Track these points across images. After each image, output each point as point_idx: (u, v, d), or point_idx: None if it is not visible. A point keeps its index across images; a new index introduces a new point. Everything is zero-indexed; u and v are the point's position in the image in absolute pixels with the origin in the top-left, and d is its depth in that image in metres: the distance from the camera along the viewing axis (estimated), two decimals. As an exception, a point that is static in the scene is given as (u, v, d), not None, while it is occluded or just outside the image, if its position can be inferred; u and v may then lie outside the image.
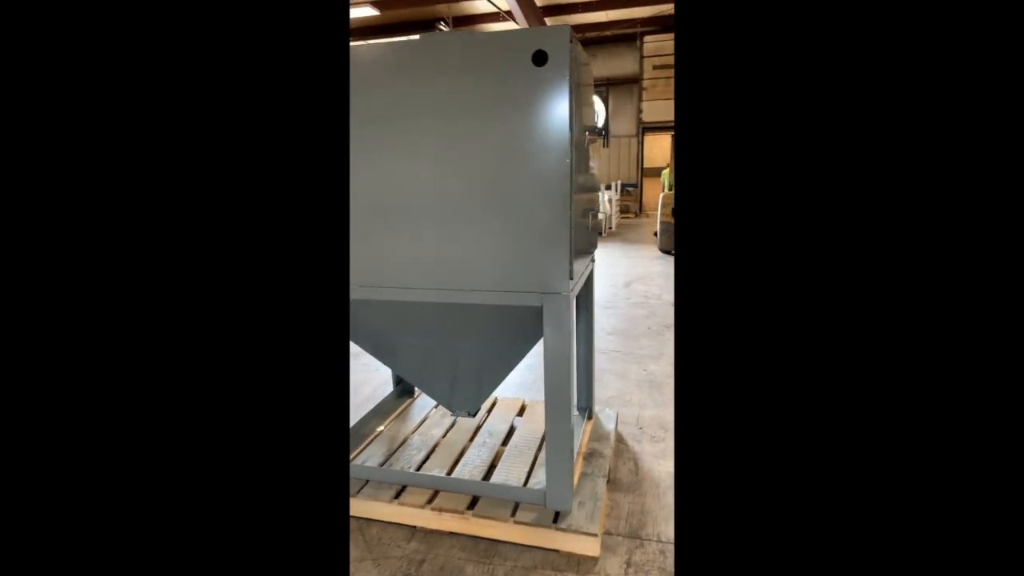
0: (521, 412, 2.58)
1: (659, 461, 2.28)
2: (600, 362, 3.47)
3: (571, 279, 1.64)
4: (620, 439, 2.47)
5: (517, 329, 1.84)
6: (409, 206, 1.70)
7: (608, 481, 2.08)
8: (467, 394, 2.13)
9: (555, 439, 1.76)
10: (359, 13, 9.84)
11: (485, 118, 1.58)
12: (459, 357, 2.02)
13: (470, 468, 2.07)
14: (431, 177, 1.66)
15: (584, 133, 1.99)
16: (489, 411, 2.59)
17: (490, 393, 2.09)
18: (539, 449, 2.18)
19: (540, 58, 1.49)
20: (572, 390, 1.76)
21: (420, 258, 1.73)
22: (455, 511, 1.82)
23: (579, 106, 1.70)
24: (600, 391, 3.01)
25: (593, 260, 2.33)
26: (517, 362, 1.98)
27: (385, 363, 2.15)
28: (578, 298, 2.39)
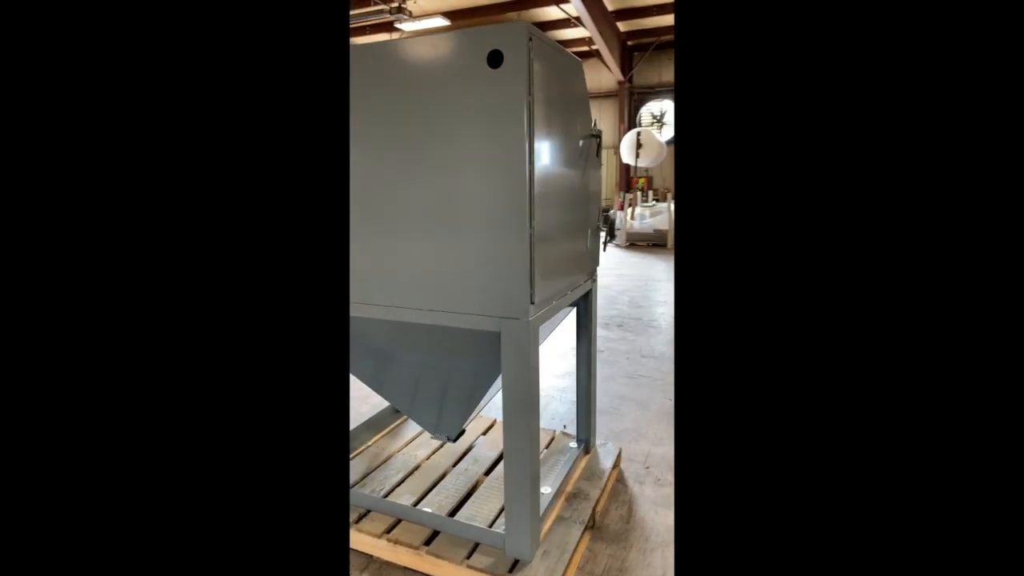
0: (518, 438, 2.41)
1: (657, 509, 2.02)
2: (625, 388, 3.21)
3: (532, 303, 1.47)
4: (620, 478, 2.23)
5: (489, 352, 1.69)
6: (365, 217, 1.61)
7: (591, 528, 1.87)
8: (446, 417, 2.00)
9: (514, 480, 1.59)
10: (431, 24, 10.10)
11: (440, 124, 1.46)
12: (434, 379, 1.91)
13: (442, 497, 1.95)
14: (385, 186, 1.56)
15: (579, 141, 1.81)
16: (485, 432, 2.45)
17: (467, 417, 1.96)
18: (522, 482, 2.01)
19: (495, 59, 1.34)
20: (534, 423, 1.58)
21: (378, 273, 1.63)
22: (410, 545, 1.70)
23: (551, 111, 1.53)
24: (615, 421, 2.77)
25: (594, 280, 2.12)
26: (491, 385, 1.83)
27: (362, 380, 2.08)
28: (579, 320, 2.20)
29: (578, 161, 1.80)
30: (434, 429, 2.07)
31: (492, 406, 2.97)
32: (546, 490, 1.93)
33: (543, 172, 1.49)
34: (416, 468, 2.15)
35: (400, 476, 2.08)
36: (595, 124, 1.90)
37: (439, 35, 1.42)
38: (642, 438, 2.58)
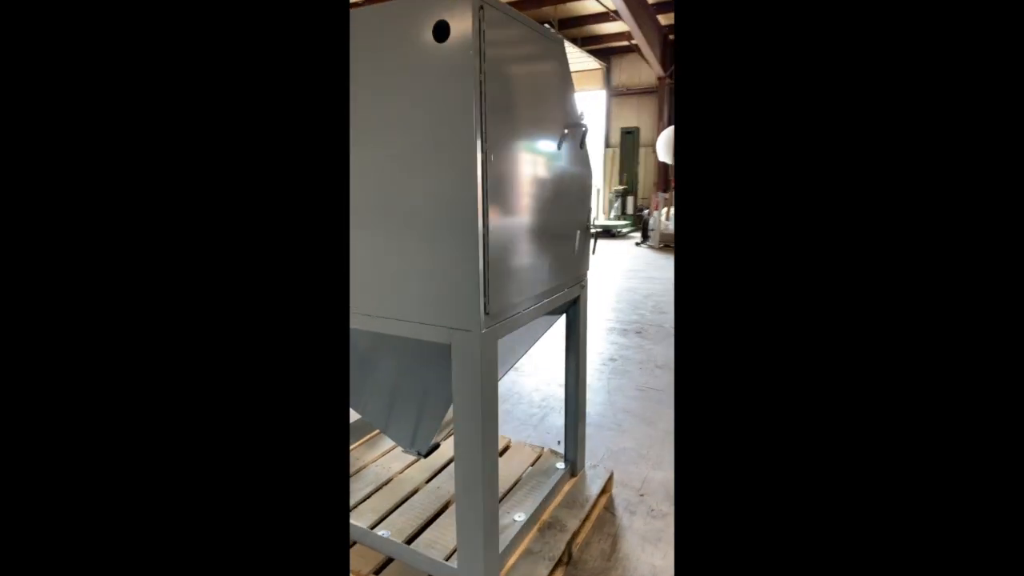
0: (503, 452, 2.24)
1: (646, 546, 1.80)
2: (633, 403, 2.98)
3: (486, 314, 1.29)
4: (609, 506, 2.02)
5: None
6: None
7: (564, 564, 1.67)
8: (418, 431, 1.85)
9: (466, 511, 1.41)
10: (465, 19, 9.98)
11: (381, 107, 1.30)
12: (405, 391, 1.75)
13: (407, 517, 1.79)
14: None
15: (563, 131, 1.61)
16: (470, 447, 2.29)
17: (437, 431, 1.79)
18: (500, 500, 1.83)
19: (441, 32, 1.17)
20: (490, 448, 1.40)
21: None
22: (358, 573, 1.56)
23: (517, 95, 1.34)
24: (616, 439, 2.55)
25: (583, 285, 1.92)
26: (458, 403, 1.66)
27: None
28: (568, 329, 2.00)
29: (558, 154, 1.60)
30: (408, 443, 1.92)
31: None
32: (519, 517, 1.74)
33: (504, 164, 1.31)
34: (387, 482, 2.00)
35: (368, 490, 1.94)
36: (582, 112, 1.69)
37: (380, 5, 1.25)
38: (642, 460, 2.36)
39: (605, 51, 12.93)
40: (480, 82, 1.17)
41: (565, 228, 1.70)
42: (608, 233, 11.68)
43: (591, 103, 13.68)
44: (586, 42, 12.14)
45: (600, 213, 13.99)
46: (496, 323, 1.34)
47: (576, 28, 11.37)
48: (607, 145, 13.77)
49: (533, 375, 3.40)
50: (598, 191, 14.39)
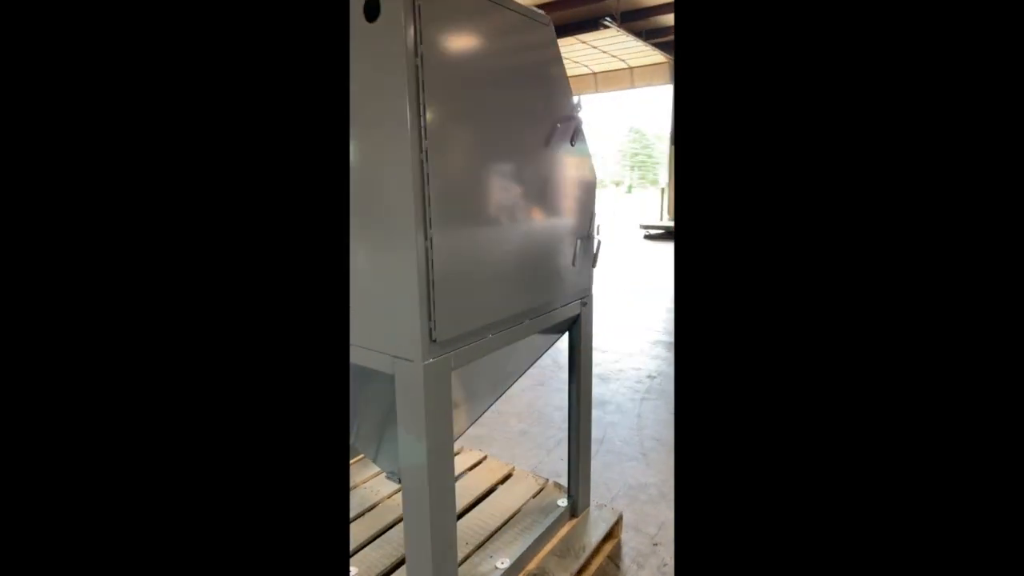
0: (505, 480, 2.04)
1: (648, 610, 1.54)
2: (664, 429, 2.68)
3: (433, 341, 1.09)
4: (614, 555, 1.76)
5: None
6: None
7: (547, 625, 1.45)
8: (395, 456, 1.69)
9: (415, 559, 1.23)
10: (524, 17, 9.82)
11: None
12: (389, 417, 1.60)
13: (382, 552, 1.64)
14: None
15: (554, 125, 1.39)
16: (472, 468, 2.11)
17: (416, 463, 1.63)
18: (486, 540, 1.64)
19: (371, 10, 0.99)
20: (443, 501, 1.21)
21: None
22: (313, 615, 1.42)
23: (477, 83, 1.14)
24: (637, 473, 2.28)
25: (585, 303, 1.68)
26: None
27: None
28: (570, 351, 1.76)
29: (544, 151, 1.38)
30: (381, 464, 1.77)
31: (486, 437, 2.61)
32: (502, 563, 1.54)
33: (460, 164, 1.11)
34: (371, 507, 1.87)
35: (350, 515, 1.81)
36: (577, 103, 1.45)
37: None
38: (662, 499, 2.07)
39: (671, 44, 12.30)
40: (416, 67, 0.98)
41: (555, 238, 1.47)
42: (670, 235, 11.11)
43: (657, 98, 13.06)
44: (651, 35, 11.59)
45: (664, 214, 13.36)
46: (448, 352, 1.14)
47: (641, 20, 10.87)
48: (672, 142, 13.12)
49: (562, 390, 3.16)
50: (662, 191, 13.76)
